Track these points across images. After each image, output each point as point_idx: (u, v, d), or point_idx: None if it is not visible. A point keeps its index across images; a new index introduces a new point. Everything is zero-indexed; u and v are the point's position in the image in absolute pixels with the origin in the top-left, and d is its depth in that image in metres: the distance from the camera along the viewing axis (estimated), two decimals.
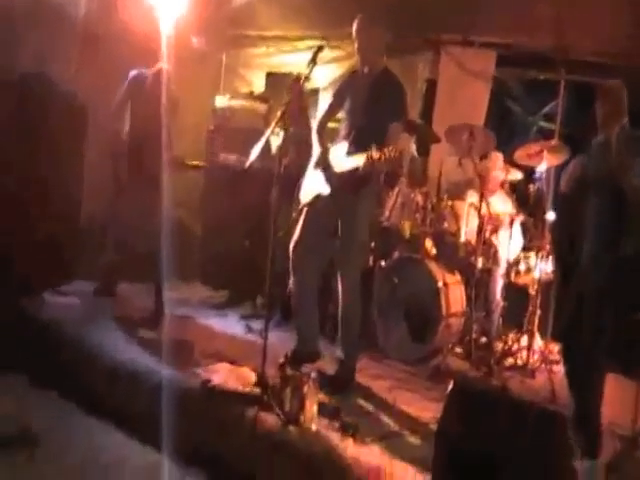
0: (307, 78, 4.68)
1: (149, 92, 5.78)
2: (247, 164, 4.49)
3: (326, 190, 4.68)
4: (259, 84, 8.12)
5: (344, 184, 4.60)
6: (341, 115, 4.85)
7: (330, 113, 4.93)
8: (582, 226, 4.36)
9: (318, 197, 4.74)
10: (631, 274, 4.09)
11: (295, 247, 4.78)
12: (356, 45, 4.68)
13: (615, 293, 4.08)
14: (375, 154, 4.28)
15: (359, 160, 4.42)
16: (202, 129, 7.47)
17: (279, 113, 4.49)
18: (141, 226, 5.69)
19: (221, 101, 7.46)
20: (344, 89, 4.80)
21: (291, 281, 4.91)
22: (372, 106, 4.59)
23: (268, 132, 4.51)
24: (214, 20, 7.90)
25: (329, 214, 4.70)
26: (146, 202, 5.60)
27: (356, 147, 4.58)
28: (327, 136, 4.93)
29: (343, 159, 4.63)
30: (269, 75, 8.05)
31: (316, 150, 4.87)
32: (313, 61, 4.52)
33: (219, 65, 8.42)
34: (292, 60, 7.90)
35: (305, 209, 4.82)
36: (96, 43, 6.79)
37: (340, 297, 4.73)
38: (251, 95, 7.67)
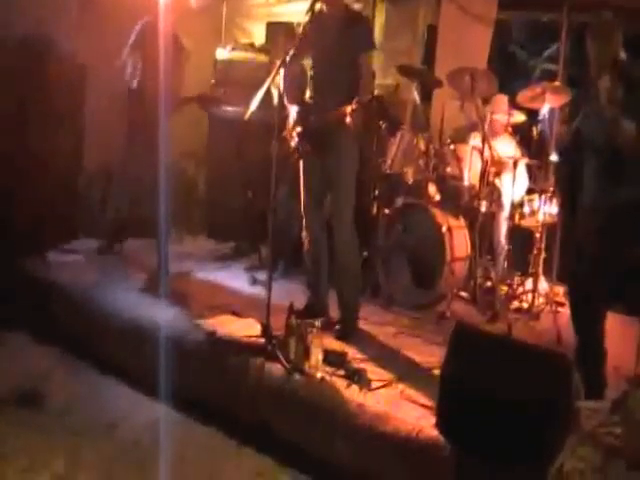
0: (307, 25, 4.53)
1: (152, 41, 5.66)
2: (247, 115, 4.41)
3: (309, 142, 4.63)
4: (260, 35, 7.92)
5: (323, 134, 4.53)
6: (308, 62, 4.75)
7: (297, 60, 4.72)
8: (582, 175, 4.24)
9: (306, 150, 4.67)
10: (628, 218, 3.99)
11: (304, 206, 4.78)
12: None
13: (614, 233, 3.98)
14: (355, 106, 4.24)
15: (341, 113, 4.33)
16: (205, 82, 7.30)
17: (278, 63, 4.39)
18: (147, 180, 5.61)
19: (222, 53, 7.30)
20: (308, 34, 4.58)
21: (305, 238, 4.85)
22: (340, 43, 4.52)
23: (267, 82, 4.39)
24: None
25: (317, 166, 4.68)
26: (154, 154, 5.48)
27: (330, 90, 4.53)
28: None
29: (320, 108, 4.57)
30: (269, 25, 7.81)
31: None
32: (311, 9, 4.42)
33: (220, 16, 8.21)
34: (292, 9, 7.68)
35: (301, 163, 4.76)
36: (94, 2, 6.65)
37: (336, 248, 4.70)
38: (252, 46, 7.51)
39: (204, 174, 7.49)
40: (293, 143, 4.63)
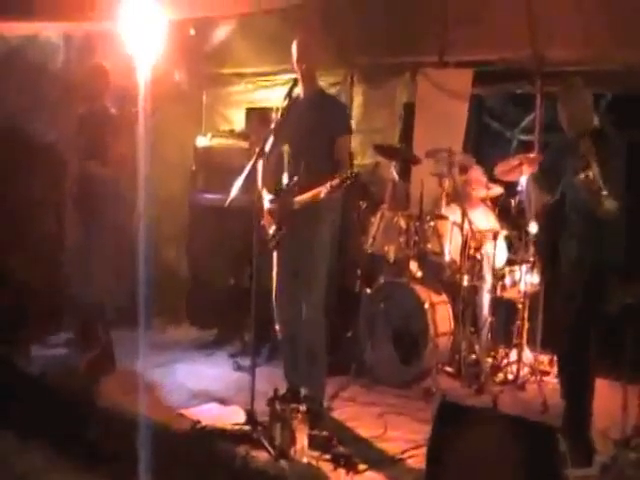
0: (284, 112, 4.79)
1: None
2: (227, 201, 4.58)
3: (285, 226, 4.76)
4: (240, 121, 8.27)
5: (299, 218, 4.67)
6: (285, 147, 4.91)
7: (276, 147, 4.88)
8: (562, 234, 4.53)
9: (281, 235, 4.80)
10: (609, 277, 4.26)
11: (277, 291, 4.91)
12: (297, 68, 4.78)
13: (595, 295, 4.23)
14: (333, 182, 4.40)
15: (317, 191, 4.51)
16: (185, 169, 7.61)
17: (257, 149, 4.63)
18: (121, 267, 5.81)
19: (202, 141, 7.59)
20: (286, 119, 4.80)
21: (278, 326, 4.98)
22: (317, 128, 4.73)
23: (247, 168, 4.59)
24: (192, 60, 8.12)
25: (292, 250, 4.81)
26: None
27: (307, 174, 4.67)
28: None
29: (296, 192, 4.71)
30: (249, 111, 8.19)
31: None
32: (289, 95, 4.70)
33: (199, 104, 8.57)
34: (271, 95, 8.04)
35: (275, 252, 4.91)
36: (75, 91, 6.94)
37: (303, 330, 4.80)
38: (232, 133, 7.80)
39: (185, 260, 7.70)
40: (270, 230, 4.77)
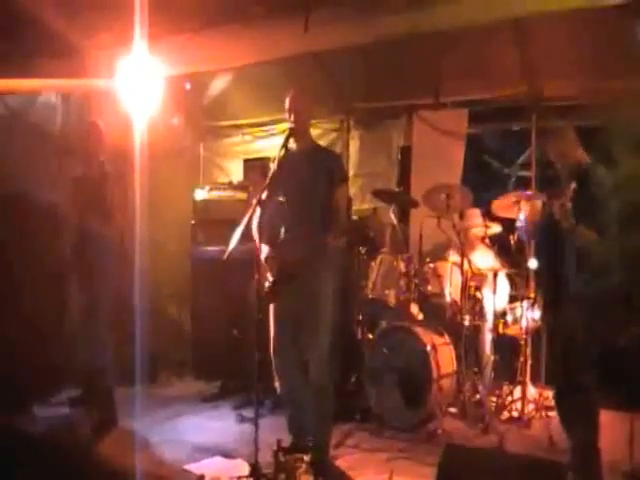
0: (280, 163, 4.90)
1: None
2: (226, 254, 4.65)
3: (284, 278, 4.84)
4: (237, 172, 8.57)
5: (298, 271, 4.76)
6: (281, 200, 4.99)
7: (271, 199, 4.94)
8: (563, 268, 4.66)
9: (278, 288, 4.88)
10: (610, 309, 4.42)
11: (275, 348, 4.93)
12: (292, 120, 4.92)
13: (596, 328, 4.39)
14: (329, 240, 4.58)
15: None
16: (185, 223, 7.88)
17: (254, 201, 4.74)
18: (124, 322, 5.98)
19: (200, 194, 7.86)
20: (281, 171, 4.89)
21: (278, 383, 5.02)
22: (312, 179, 4.88)
23: (245, 220, 4.69)
24: (189, 114, 8.50)
25: (291, 305, 4.87)
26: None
27: (305, 226, 4.82)
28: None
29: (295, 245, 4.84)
30: (247, 162, 8.48)
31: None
32: (285, 145, 4.82)
33: (197, 157, 8.91)
34: (268, 145, 8.38)
35: (272, 307, 4.99)
36: (72, 151, 7.23)
37: (310, 380, 4.89)
38: (230, 184, 8.08)
39: (188, 314, 7.96)
40: (266, 284, 4.81)
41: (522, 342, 5.96)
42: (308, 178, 4.87)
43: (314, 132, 7.38)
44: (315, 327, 4.85)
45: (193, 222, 7.81)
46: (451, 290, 6.08)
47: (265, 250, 4.88)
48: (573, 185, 4.27)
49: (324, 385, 4.85)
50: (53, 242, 6.69)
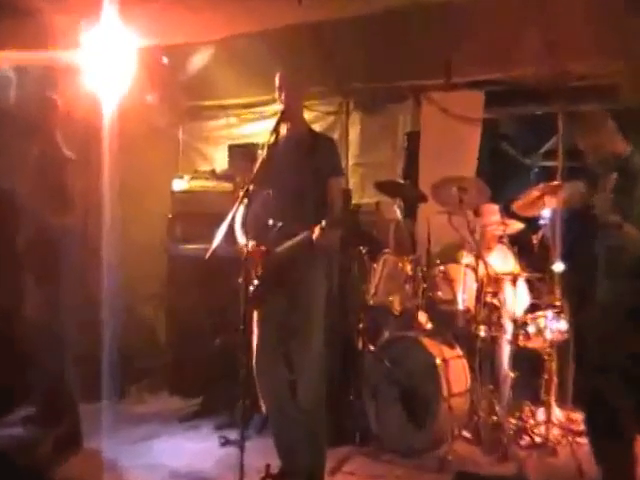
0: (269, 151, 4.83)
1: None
2: (208, 253, 4.59)
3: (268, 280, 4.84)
4: (222, 159, 8.50)
5: (284, 268, 4.78)
6: (269, 191, 4.97)
7: (259, 192, 4.85)
8: (594, 273, 4.61)
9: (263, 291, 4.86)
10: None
11: (259, 363, 4.90)
12: (283, 101, 4.89)
13: (633, 341, 4.32)
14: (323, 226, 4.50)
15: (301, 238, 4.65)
16: (162, 217, 7.81)
17: (241, 192, 4.68)
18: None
19: (180, 184, 7.80)
20: (269, 160, 4.81)
21: (263, 405, 5.01)
22: (305, 169, 4.85)
23: (232, 213, 4.67)
24: (166, 92, 8.31)
25: (278, 311, 4.86)
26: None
27: (295, 221, 4.79)
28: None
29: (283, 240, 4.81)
30: (232, 148, 8.40)
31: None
32: (276, 130, 4.77)
33: (175, 142, 8.87)
34: (257, 129, 8.33)
35: (255, 314, 4.95)
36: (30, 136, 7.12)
37: (299, 401, 4.85)
38: (213, 173, 8.00)
39: (164, 320, 7.88)
40: (251, 287, 4.78)
41: (546, 356, 5.86)
42: (299, 168, 4.87)
43: (308, 116, 7.41)
44: (305, 339, 4.83)
45: (170, 216, 7.74)
46: (464, 296, 5.99)
47: (250, 247, 4.83)
48: (614, 176, 4.19)
49: (315, 406, 4.82)
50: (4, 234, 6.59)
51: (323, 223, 4.50)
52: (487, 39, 6.78)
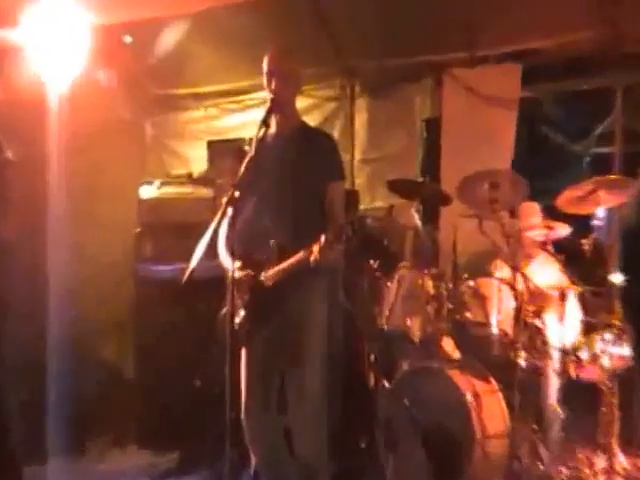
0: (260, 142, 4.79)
1: None
2: (186, 275, 4.48)
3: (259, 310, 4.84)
4: (200, 159, 8.56)
5: (276, 293, 4.77)
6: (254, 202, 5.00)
7: (245, 200, 4.81)
8: None
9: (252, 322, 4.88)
10: None
11: (247, 408, 4.94)
12: (273, 89, 4.89)
13: None
14: (322, 243, 4.44)
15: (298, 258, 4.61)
16: (127, 230, 7.76)
17: (224, 199, 4.56)
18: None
19: (148, 191, 7.77)
20: (255, 162, 4.71)
21: (254, 455, 5.05)
22: (296, 174, 4.88)
23: (212, 226, 4.53)
24: (130, 78, 8.42)
25: (270, 345, 4.87)
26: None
27: (287, 235, 4.81)
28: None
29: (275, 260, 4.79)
30: (212, 145, 8.48)
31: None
32: (265, 122, 4.70)
33: (142, 139, 8.94)
34: (241, 121, 8.43)
35: (244, 350, 4.98)
36: None
37: (295, 452, 4.87)
38: (190, 177, 8.02)
39: (131, 357, 7.79)
40: (237, 318, 4.79)
41: (604, 389, 5.78)
42: (291, 172, 4.92)
43: (305, 103, 7.61)
44: (303, 378, 4.87)
45: (138, 229, 7.70)
46: (499, 317, 5.92)
47: (236, 270, 4.73)
48: None
49: (317, 459, 4.85)
50: None
51: (322, 239, 4.46)
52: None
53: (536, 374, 6.00)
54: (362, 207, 7.39)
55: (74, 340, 6.00)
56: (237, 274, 4.75)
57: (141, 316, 7.65)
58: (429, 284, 6.04)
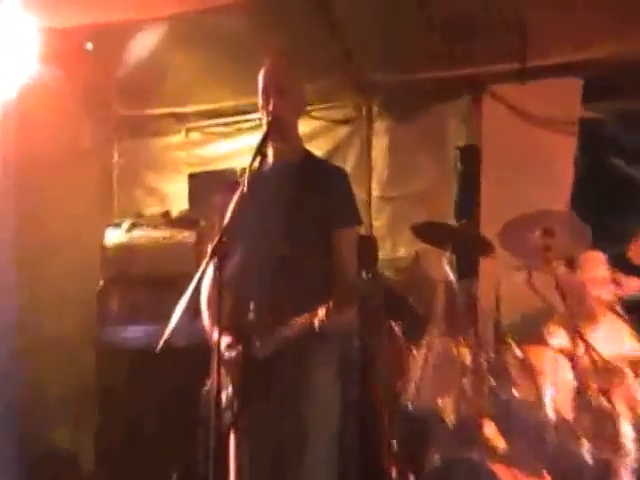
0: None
1: None
2: (161, 342, 4.37)
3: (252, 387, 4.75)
4: (179, 196, 8.59)
5: (274, 367, 4.67)
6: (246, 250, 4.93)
7: (235, 249, 4.81)
8: None
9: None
10: None
11: None
12: (271, 110, 4.80)
13: None
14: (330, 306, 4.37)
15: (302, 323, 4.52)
16: (87, 284, 7.80)
17: (210, 246, 4.45)
18: None
19: (115, 235, 7.80)
20: (247, 202, 4.61)
21: None
22: (300, 214, 4.79)
23: (194, 281, 4.42)
24: (93, 95, 8.40)
25: (267, 426, 4.78)
26: None
27: (289, 294, 4.70)
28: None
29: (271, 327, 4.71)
30: (194, 178, 8.51)
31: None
32: (260, 151, 4.64)
33: (108, 169, 8.95)
34: (230, 149, 8.48)
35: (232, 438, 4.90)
36: None
37: None
38: (166, 217, 8.04)
39: (91, 445, 7.72)
40: (224, 395, 4.69)
41: None
42: (292, 212, 4.83)
43: (311, 126, 7.70)
44: (306, 472, 4.74)
45: (101, 283, 7.78)
46: (555, 397, 5.81)
47: (224, 340, 4.68)
48: None
49: None
50: None
51: (331, 303, 4.39)
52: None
53: (604, 470, 5.83)
54: (381, 256, 7.35)
55: (20, 424, 5.82)
56: (225, 354, 4.70)
57: (104, 394, 7.63)
58: (465, 353, 6.00)
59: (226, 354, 4.71)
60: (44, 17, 6.44)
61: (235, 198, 4.52)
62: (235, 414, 4.70)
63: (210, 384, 4.45)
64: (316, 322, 4.40)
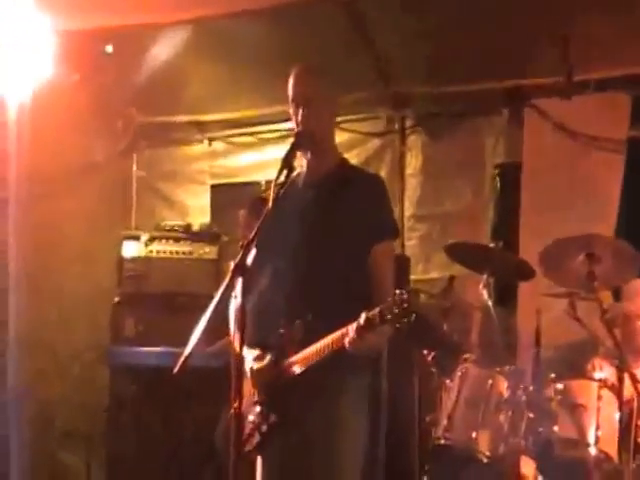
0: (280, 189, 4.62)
1: None
2: (179, 363, 4.18)
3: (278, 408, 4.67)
4: (201, 208, 8.56)
5: (301, 388, 4.57)
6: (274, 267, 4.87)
7: (263, 266, 4.77)
8: None
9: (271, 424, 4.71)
10: None
11: None
12: (300, 119, 4.69)
13: None
14: (363, 320, 4.18)
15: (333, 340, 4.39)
16: (103, 300, 7.75)
17: (232, 264, 4.30)
18: None
19: (133, 248, 7.73)
20: (277, 216, 4.53)
21: None
22: (332, 231, 4.68)
23: (216, 298, 4.26)
24: (111, 101, 8.33)
25: (293, 451, 4.68)
26: None
27: (319, 312, 4.57)
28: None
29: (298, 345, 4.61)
30: (216, 190, 8.47)
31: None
32: (288, 163, 4.48)
33: (126, 180, 8.86)
34: (255, 160, 8.40)
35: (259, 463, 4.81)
36: None
37: None
38: (187, 231, 7.93)
39: (103, 470, 7.67)
40: (251, 416, 4.68)
41: None
42: (325, 227, 4.73)
43: (341, 139, 7.46)
44: None
45: (117, 300, 7.70)
46: (600, 434, 5.71)
47: (249, 358, 4.70)
48: None
49: None
50: None
51: (362, 317, 4.20)
52: (631, 10, 6.54)
53: None
54: (413, 278, 7.29)
55: (30, 448, 5.81)
56: (254, 365, 4.68)
57: (116, 416, 7.56)
58: (502, 385, 5.91)
59: (255, 365, 4.68)
60: (60, 19, 6.34)
61: (264, 213, 4.42)
62: (264, 434, 4.63)
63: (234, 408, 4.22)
64: (346, 340, 4.26)
